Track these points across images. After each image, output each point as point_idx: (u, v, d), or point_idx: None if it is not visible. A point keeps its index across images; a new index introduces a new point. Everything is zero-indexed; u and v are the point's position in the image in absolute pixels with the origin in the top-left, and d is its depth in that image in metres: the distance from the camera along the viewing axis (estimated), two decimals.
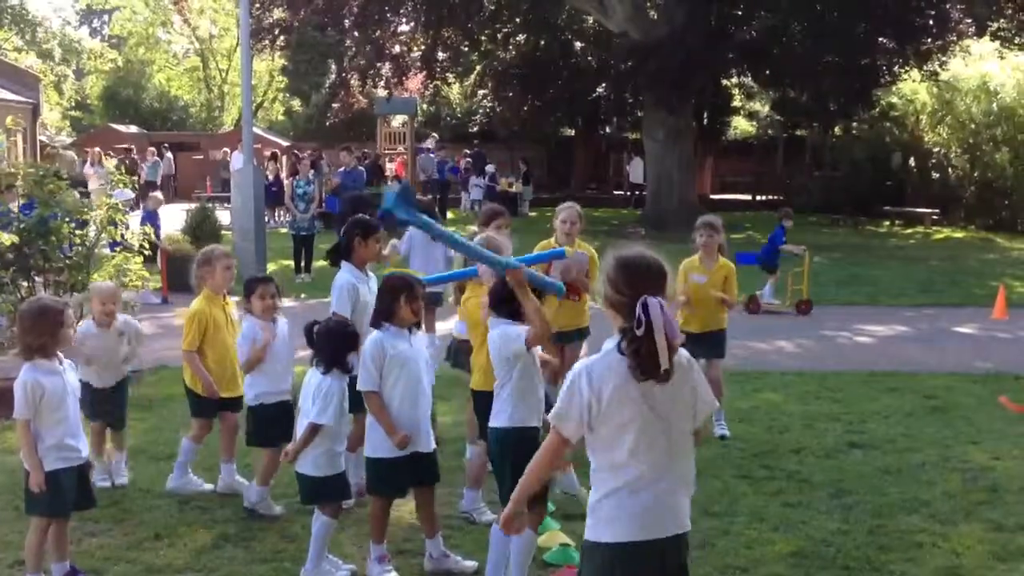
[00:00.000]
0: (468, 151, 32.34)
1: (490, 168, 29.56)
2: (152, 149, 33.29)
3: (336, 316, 5.64)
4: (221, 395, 6.34)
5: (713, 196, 33.43)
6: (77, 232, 9.21)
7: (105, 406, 6.64)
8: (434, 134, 34.71)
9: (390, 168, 31.19)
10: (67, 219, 9.12)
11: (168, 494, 6.37)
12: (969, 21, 25.75)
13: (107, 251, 9.98)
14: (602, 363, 3.32)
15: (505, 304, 4.95)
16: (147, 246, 10.55)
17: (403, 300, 5.06)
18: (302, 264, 16.27)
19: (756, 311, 13.54)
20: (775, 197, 33.31)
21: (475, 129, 38.29)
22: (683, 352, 3.38)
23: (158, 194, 16.87)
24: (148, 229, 10.70)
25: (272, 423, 6.06)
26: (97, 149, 25.64)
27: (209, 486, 6.30)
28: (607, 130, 37.82)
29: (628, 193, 33.39)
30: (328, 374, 5.18)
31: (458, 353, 7.07)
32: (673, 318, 3.20)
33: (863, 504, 6.27)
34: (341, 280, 6.26)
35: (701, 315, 7.68)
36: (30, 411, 4.78)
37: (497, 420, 4.96)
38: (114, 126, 41.68)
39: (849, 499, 6.36)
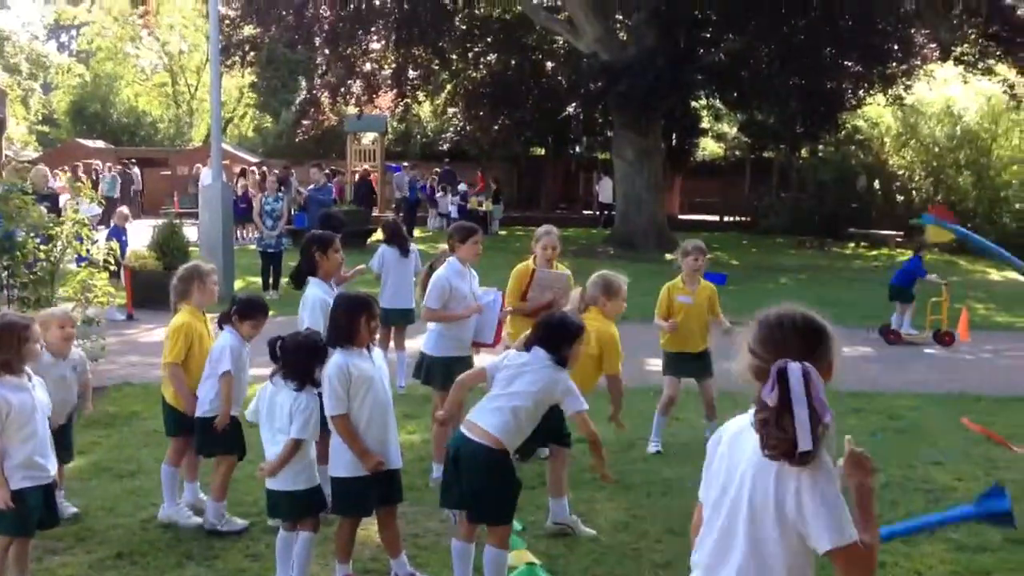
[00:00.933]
0: (438, 169, 32.34)
1: (462, 187, 29.61)
2: (109, 164, 32.98)
3: (309, 330, 5.59)
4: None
5: (681, 216, 33.63)
6: (42, 247, 9.12)
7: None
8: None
9: None
10: (32, 234, 9.03)
11: (160, 521, 6.11)
12: (933, 46, 26.16)
13: (72, 267, 9.88)
14: (735, 424, 2.85)
15: (551, 339, 5.00)
16: (112, 262, 10.46)
17: (363, 320, 5.03)
18: (270, 281, 16.16)
19: (896, 341, 13.42)
20: (742, 218, 33.62)
21: (445, 147, 38.34)
22: None
23: (124, 209, 16.69)
24: (113, 245, 10.59)
25: (227, 433, 5.98)
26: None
27: (198, 520, 6.05)
28: (577, 150, 37.97)
29: (597, 212, 33.50)
30: (302, 390, 5.15)
31: (428, 370, 7.08)
32: (822, 389, 2.57)
33: None
34: (311, 296, 6.23)
35: (685, 335, 7.96)
36: None
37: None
38: (81, 141, 41.26)
39: None
